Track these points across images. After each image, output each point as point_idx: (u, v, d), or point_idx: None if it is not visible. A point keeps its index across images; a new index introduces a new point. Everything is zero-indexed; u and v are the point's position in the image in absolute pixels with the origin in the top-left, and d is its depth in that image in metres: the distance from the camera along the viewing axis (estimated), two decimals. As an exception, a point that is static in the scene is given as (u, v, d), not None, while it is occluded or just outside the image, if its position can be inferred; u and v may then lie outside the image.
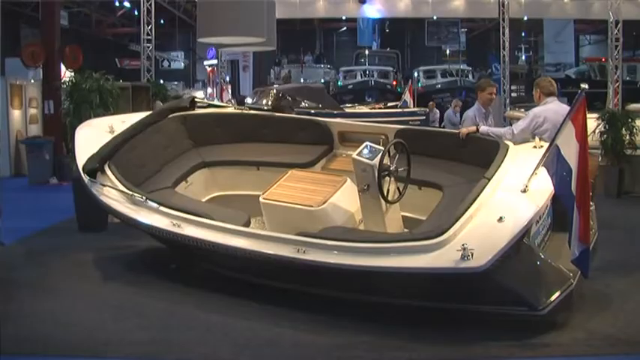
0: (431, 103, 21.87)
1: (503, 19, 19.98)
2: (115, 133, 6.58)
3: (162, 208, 5.55)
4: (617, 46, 17.69)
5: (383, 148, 5.63)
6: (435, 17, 29.40)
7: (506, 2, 20.02)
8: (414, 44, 40.27)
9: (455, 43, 33.68)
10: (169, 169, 6.80)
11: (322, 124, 7.40)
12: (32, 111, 15.11)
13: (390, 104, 21.20)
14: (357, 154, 5.66)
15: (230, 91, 28.35)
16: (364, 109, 19.31)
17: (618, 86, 17.79)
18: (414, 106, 19.95)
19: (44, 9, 15.12)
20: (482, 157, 5.75)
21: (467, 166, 6.15)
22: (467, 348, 4.38)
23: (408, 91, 21.13)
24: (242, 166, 7.25)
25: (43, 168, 13.08)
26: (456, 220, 4.56)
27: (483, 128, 6.28)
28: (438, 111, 21.47)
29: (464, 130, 6.41)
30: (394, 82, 32.15)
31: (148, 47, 16.70)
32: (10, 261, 6.69)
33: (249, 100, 19.43)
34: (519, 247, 4.48)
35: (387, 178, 5.63)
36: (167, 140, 7.06)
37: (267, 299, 5.25)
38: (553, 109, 6.10)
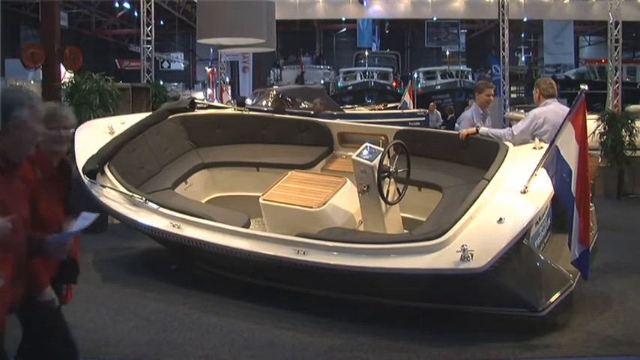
0: (432, 104, 21.89)
1: (503, 20, 19.99)
2: (115, 134, 6.58)
3: (161, 209, 5.55)
4: (616, 47, 17.69)
5: (383, 149, 5.63)
6: (434, 18, 29.46)
7: (506, 3, 20.02)
8: (414, 45, 40.33)
9: (455, 44, 33.76)
10: (169, 170, 6.80)
11: (322, 125, 7.40)
12: (32, 112, 15.11)
13: (389, 105, 21.21)
14: (356, 155, 5.66)
15: (230, 92, 28.38)
16: (364, 111, 19.32)
17: (618, 87, 17.79)
18: (413, 107, 19.97)
19: (44, 10, 15.09)
20: (482, 158, 5.75)
21: (466, 167, 6.15)
22: (466, 349, 4.38)
23: (407, 92, 21.16)
24: (242, 167, 7.26)
25: (42, 169, 13.08)
26: (456, 221, 4.56)
27: (483, 129, 6.27)
28: (438, 112, 21.47)
29: (463, 132, 6.41)
30: (394, 83, 32.19)
31: (148, 48, 16.70)
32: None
33: (248, 102, 19.43)
34: (519, 248, 4.48)
35: (387, 179, 5.63)
36: (167, 141, 7.06)
37: (266, 300, 5.25)
38: (553, 110, 6.10)
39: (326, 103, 16.05)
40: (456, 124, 7.47)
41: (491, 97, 7.08)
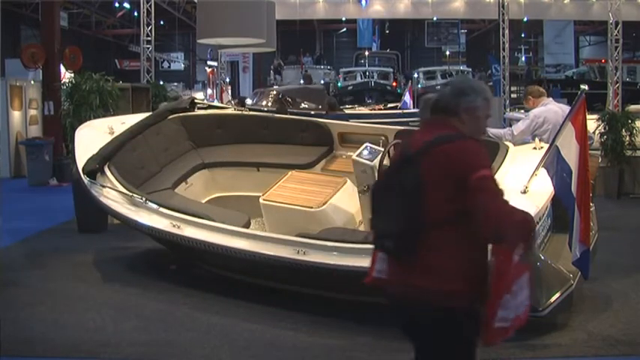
0: None
1: (503, 20, 19.94)
2: (115, 134, 6.58)
3: (162, 209, 5.55)
4: (617, 47, 17.66)
5: (383, 149, 5.63)
6: (434, 18, 29.41)
7: (506, 3, 19.98)
8: (414, 45, 40.32)
9: (455, 44, 33.72)
10: (169, 171, 6.80)
11: (322, 125, 7.40)
12: (32, 112, 15.11)
13: (389, 105, 21.20)
14: (357, 155, 5.67)
15: (230, 92, 28.35)
16: (364, 111, 19.31)
17: (618, 87, 17.76)
18: (414, 107, 19.96)
19: (44, 10, 15.12)
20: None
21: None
22: (467, 349, 4.37)
23: (408, 92, 21.15)
24: (242, 167, 7.26)
25: (42, 169, 13.08)
26: (456, 221, 4.54)
27: (483, 129, 6.27)
28: None
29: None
30: (394, 83, 32.16)
31: (148, 48, 16.67)
32: (10, 262, 6.69)
33: (249, 102, 19.41)
34: (519, 248, 4.47)
35: (387, 179, 5.62)
36: (167, 141, 7.06)
37: (266, 300, 5.25)
38: (552, 109, 6.12)
39: (332, 103, 16.05)
40: None
41: None
